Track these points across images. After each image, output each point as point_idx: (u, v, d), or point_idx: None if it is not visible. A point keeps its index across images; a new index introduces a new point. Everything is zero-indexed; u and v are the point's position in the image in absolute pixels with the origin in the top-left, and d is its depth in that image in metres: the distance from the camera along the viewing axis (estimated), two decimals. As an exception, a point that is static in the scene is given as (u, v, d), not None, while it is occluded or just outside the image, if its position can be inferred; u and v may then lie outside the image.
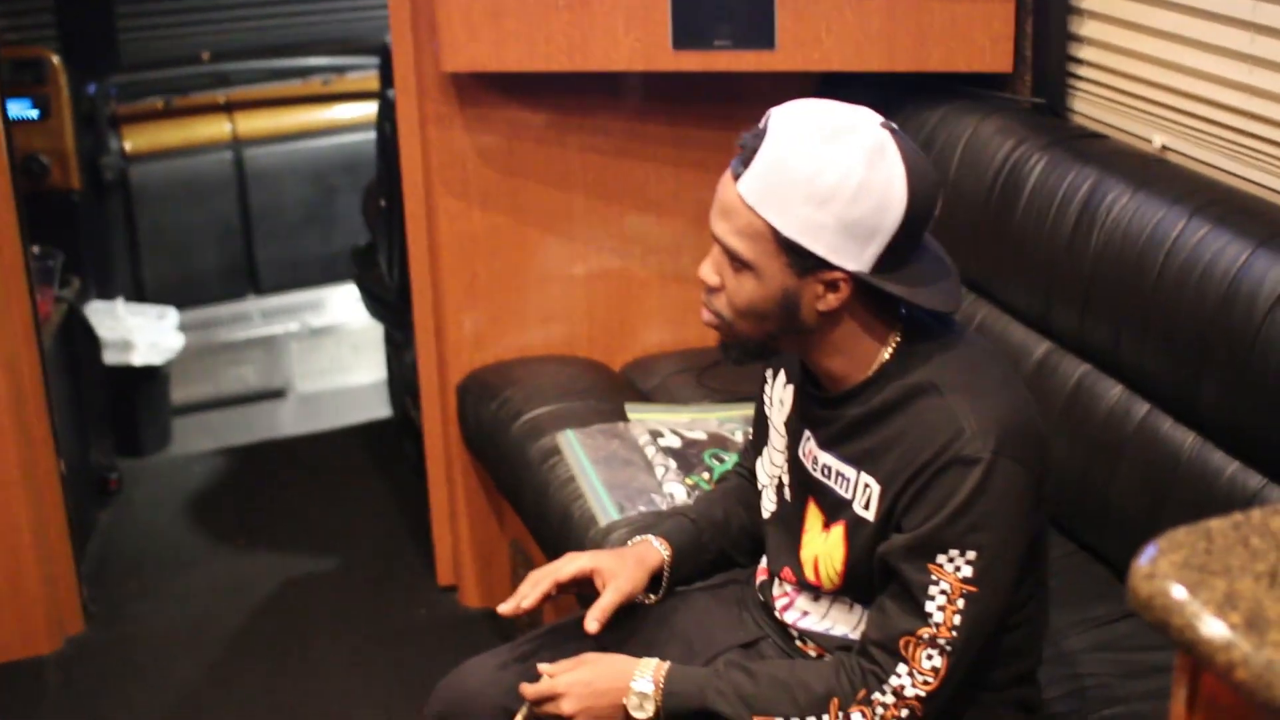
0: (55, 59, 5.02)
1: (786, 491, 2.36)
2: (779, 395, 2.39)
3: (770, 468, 2.41)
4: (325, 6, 6.14)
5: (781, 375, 2.39)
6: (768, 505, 2.42)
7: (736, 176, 2.10)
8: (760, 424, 2.47)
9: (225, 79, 6.01)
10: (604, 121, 3.81)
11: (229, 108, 5.94)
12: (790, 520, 2.35)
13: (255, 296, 6.04)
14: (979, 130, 3.26)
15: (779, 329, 2.16)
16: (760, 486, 2.45)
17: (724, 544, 2.55)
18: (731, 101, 3.75)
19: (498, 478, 3.73)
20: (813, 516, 2.29)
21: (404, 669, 3.81)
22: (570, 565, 2.47)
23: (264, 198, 5.90)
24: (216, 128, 5.87)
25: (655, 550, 2.50)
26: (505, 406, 3.66)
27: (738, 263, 2.12)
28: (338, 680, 3.82)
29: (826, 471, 2.24)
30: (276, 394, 5.87)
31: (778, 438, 2.39)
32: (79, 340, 4.49)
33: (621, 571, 2.45)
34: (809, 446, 2.29)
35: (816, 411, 2.27)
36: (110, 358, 5.00)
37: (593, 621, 2.38)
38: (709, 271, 2.18)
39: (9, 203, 3.72)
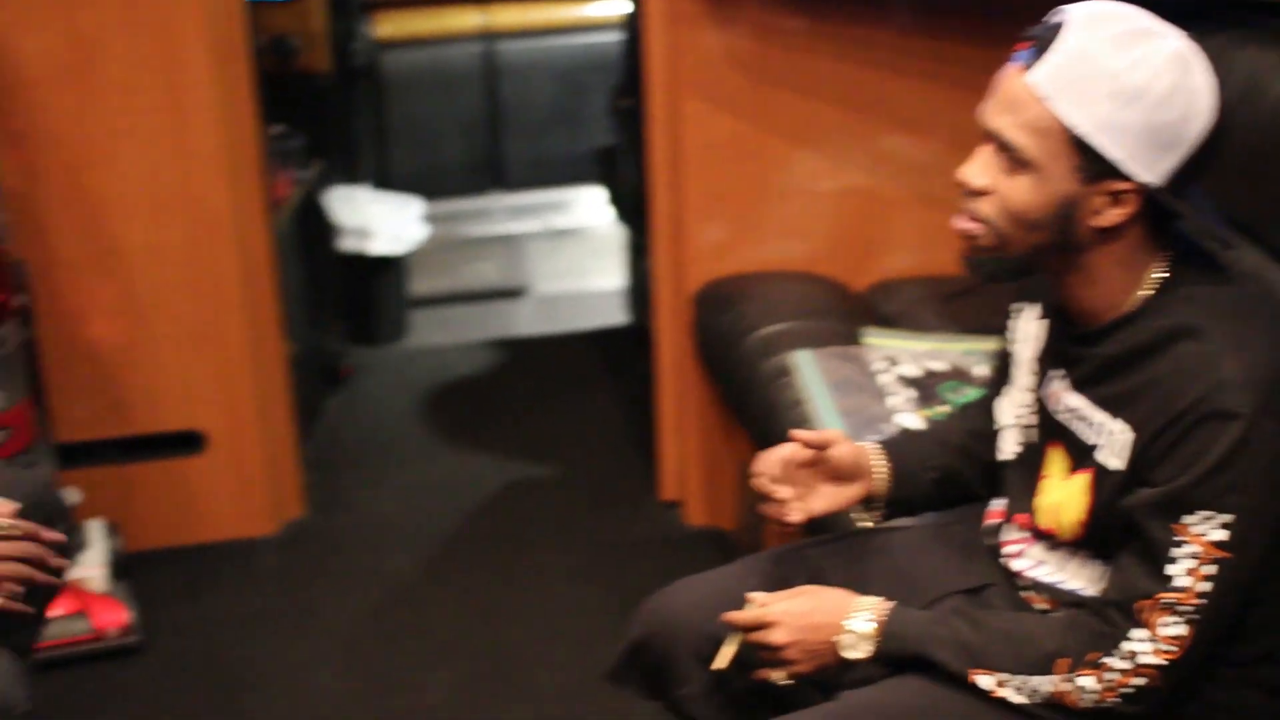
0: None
1: (1028, 433, 2.21)
2: (1027, 330, 2.24)
3: (1012, 408, 2.26)
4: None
5: (1031, 309, 2.24)
6: (1006, 447, 2.27)
7: (1026, 67, 1.94)
8: (1004, 361, 2.32)
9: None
10: (861, 31, 3.65)
11: (482, -1, 5.89)
12: (1030, 464, 2.20)
13: (500, 193, 6.00)
14: (1259, 60, 3.04)
15: (1048, 241, 2.00)
16: (999, 427, 2.30)
17: (953, 465, 2.40)
18: (999, 18, 3.56)
19: (728, 393, 3.62)
20: (1055, 461, 2.14)
21: (621, 583, 3.73)
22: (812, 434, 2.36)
23: (513, 93, 5.85)
24: (468, 19, 5.83)
25: (871, 460, 2.37)
26: (739, 321, 3.54)
27: (1016, 161, 1.96)
28: (553, 588, 3.76)
29: (1074, 414, 2.08)
30: (514, 293, 5.82)
31: (1023, 376, 2.24)
32: (316, 224, 4.47)
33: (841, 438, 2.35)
34: (1056, 387, 2.13)
35: (1068, 349, 2.11)
36: (349, 244, 4.98)
37: (795, 514, 2.30)
38: (976, 173, 2.02)
39: (249, 81, 3.71)
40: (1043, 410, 2.17)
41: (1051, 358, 2.17)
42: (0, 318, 3.27)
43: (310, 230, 4.40)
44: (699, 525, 3.98)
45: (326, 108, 5.11)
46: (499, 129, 5.87)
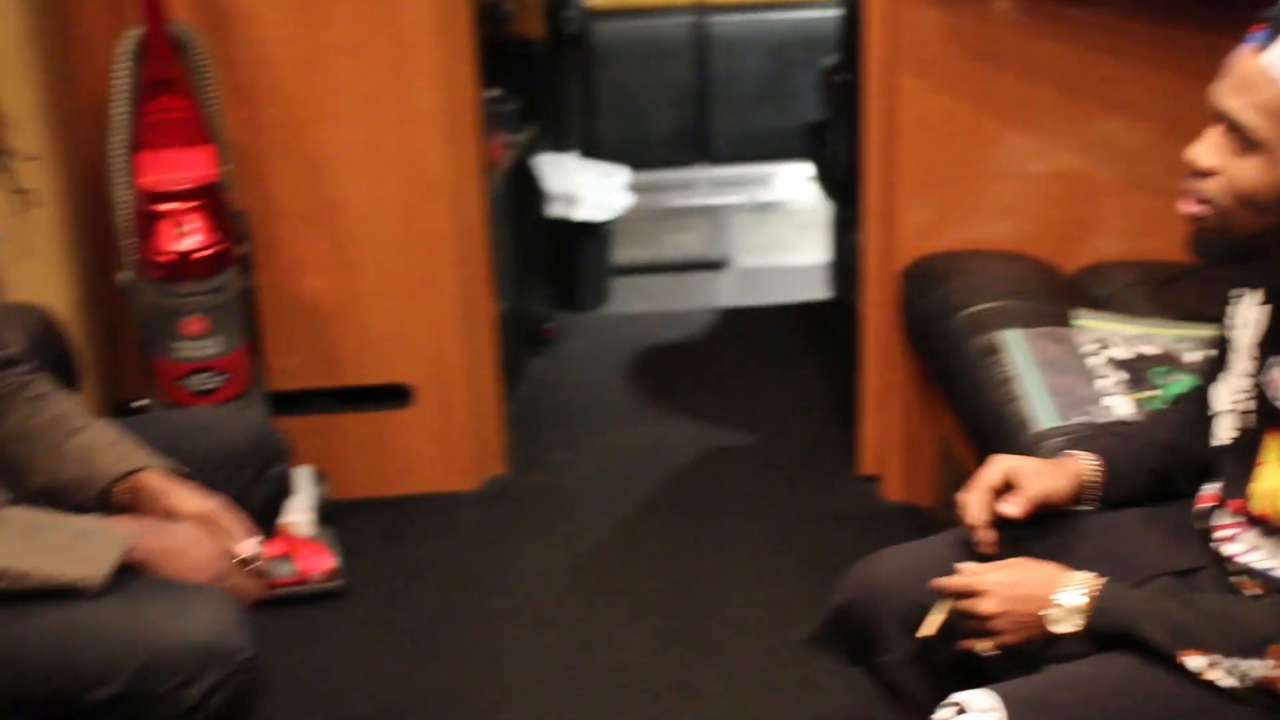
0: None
1: (1245, 419, 2.19)
2: (1247, 316, 2.22)
3: (1229, 394, 2.24)
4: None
5: (1252, 295, 2.21)
6: (1222, 433, 2.25)
7: (1261, 49, 1.92)
8: (1222, 346, 2.29)
9: (695, -60, 5.99)
10: (1082, 13, 3.62)
11: (698, -30, 5.91)
12: (1246, 450, 2.17)
13: (705, 165, 6.01)
14: None
15: (1275, 224, 1.98)
16: (1214, 413, 2.28)
17: (1164, 466, 2.39)
18: (1223, 3, 3.51)
19: (933, 370, 3.62)
20: (1273, 448, 2.12)
21: (815, 554, 3.74)
22: (994, 470, 2.34)
23: (722, 66, 5.87)
24: (682, -10, 5.86)
25: (1083, 465, 2.36)
26: (947, 298, 3.53)
27: (1247, 143, 1.94)
28: (748, 555, 3.79)
29: (1293, 401, 2.06)
30: (715, 265, 5.84)
31: (1241, 362, 2.21)
32: (526, 188, 4.53)
33: (1045, 474, 2.33)
34: (1277, 374, 2.11)
35: (1291, 335, 2.09)
36: (555, 210, 5.03)
37: (1011, 505, 2.27)
38: (1204, 153, 2.01)
39: (470, 44, 3.76)
40: (1261, 397, 2.15)
41: (1273, 344, 2.15)
42: (222, 265, 3.36)
43: (520, 194, 4.46)
44: (896, 501, 3.98)
45: (537, 74, 5.17)
46: (706, 101, 5.89)
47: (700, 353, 4.91)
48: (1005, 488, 2.34)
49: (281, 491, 2.77)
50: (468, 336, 3.94)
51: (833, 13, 4.83)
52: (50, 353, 2.67)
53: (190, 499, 2.44)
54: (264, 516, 2.65)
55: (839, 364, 4.55)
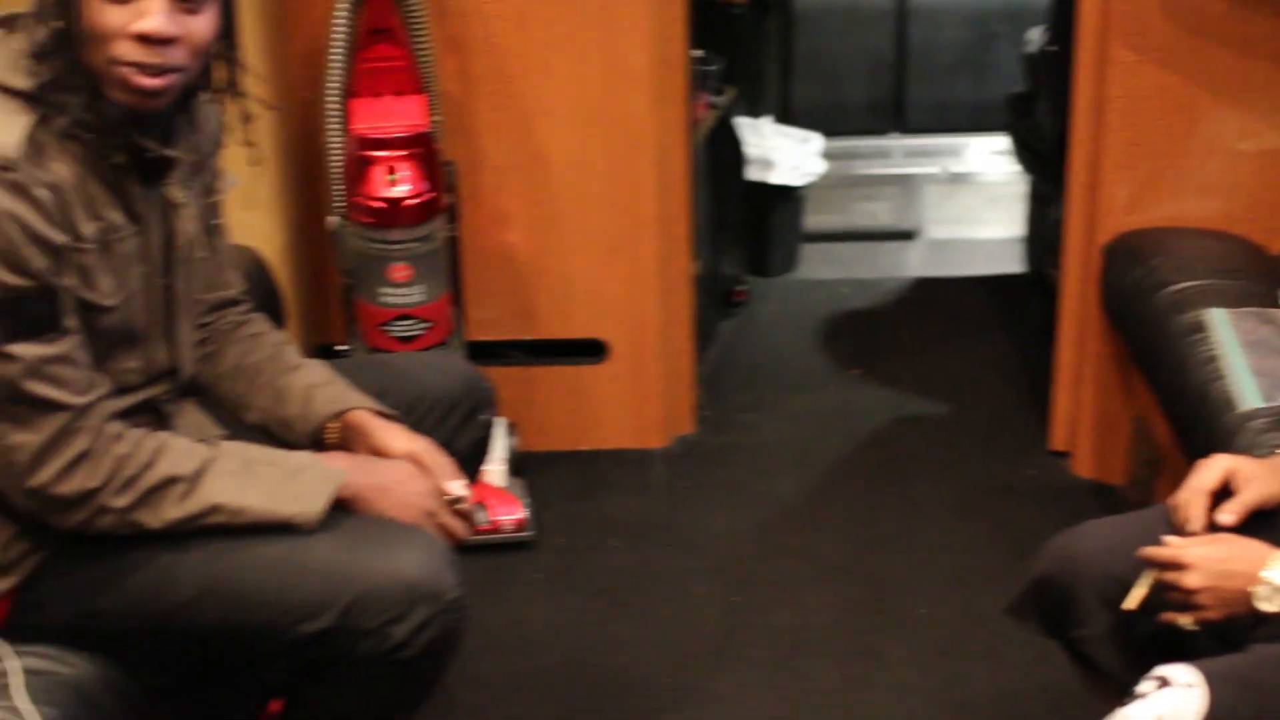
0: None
1: None
2: None
3: None
4: None
5: None
6: None
7: None
8: None
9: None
10: (1305, -12, 3.57)
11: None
12: None
13: (899, 134, 5.99)
14: None
15: None
16: None
17: None
18: None
19: (1132, 347, 3.58)
20: None
21: (1005, 525, 3.73)
22: (1212, 472, 2.32)
23: (921, 36, 5.84)
24: (885, -44, 5.84)
25: None
26: (1151, 275, 3.49)
27: None
28: (934, 523, 3.79)
29: None
30: (906, 235, 5.82)
31: None
32: (726, 149, 4.55)
33: (1263, 478, 2.29)
34: None
35: None
36: (750, 174, 5.04)
37: (1228, 514, 2.25)
38: None
39: (681, 3, 3.79)
40: None
41: None
42: (431, 214, 3.42)
43: (720, 155, 4.47)
44: (1087, 477, 3.95)
45: (738, 37, 5.16)
46: (904, 71, 5.87)
47: (890, 321, 4.90)
48: (1222, 490, 2.32)
49: (486, 439, 2.81)
50: (664, 295, 3.97)
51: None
52: (259, 295, 2.74)
53: (400, 438, 2.50)
54: (468, 462, 2.70)
55: (1031, 338, 4.53)
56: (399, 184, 3.35)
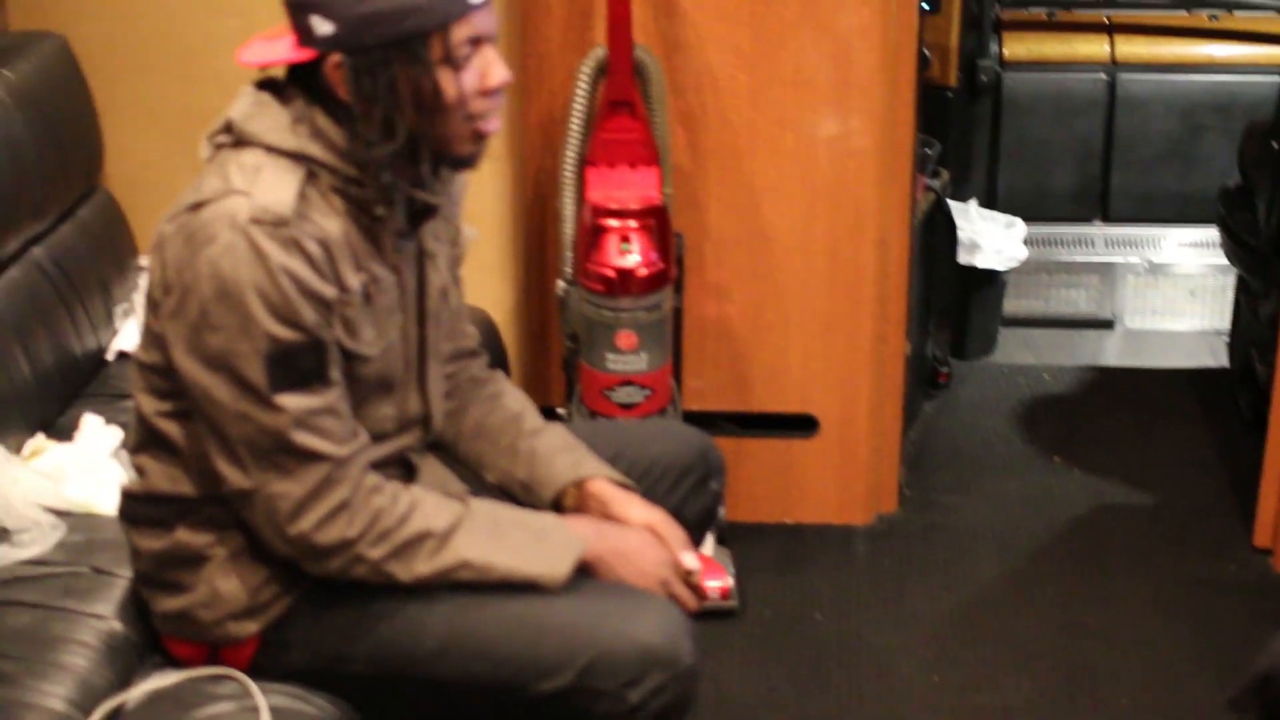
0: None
1: None
2: None
3: None
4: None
5: None
6: None
7: None
8: None
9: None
10: None
11: (1110, 29, 5.88)
12: None
13: (1101, 223, 5.98)
14: None
15: None
16: None
17: None
18: None
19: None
20: None
21: (1207, 620, 3.73)
22: None
23: (1129, 125, 5.82)
24: (1094, 47, 5.83)
25: None
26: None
27: None
28: (1134, 614, 3.79)
29: None
30: (1104, 324, 5.81)
31: None
32: (940, 232, 4.59)
33: None
34: None
35: None
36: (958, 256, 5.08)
37: None
38: None
39: (911, 88, 3.85)
40: None
41: None
42: (659, 285, 3.49)
43: (933, 238, 4.52)
44: (1293, 575, 3.94)
45: (949, 121, 5.22)
46: (1110, 159, 5.86)
47: (1089, 409, 4.89)
48: None
49: (715, 506, 2.88)
50: (877, 374, 4.01)
51: (1248, 77, 4.80)
52: (489, 356, 2.84)
53: (637, 508, 2.57)
54: (696, 529, 2.77)
55: (1233, 432, 4.52)
56: (632, 254, 3.43)
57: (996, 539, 4.12)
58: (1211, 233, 5.05)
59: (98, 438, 3.13)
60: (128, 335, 3.52)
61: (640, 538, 2.51)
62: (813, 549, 4.04)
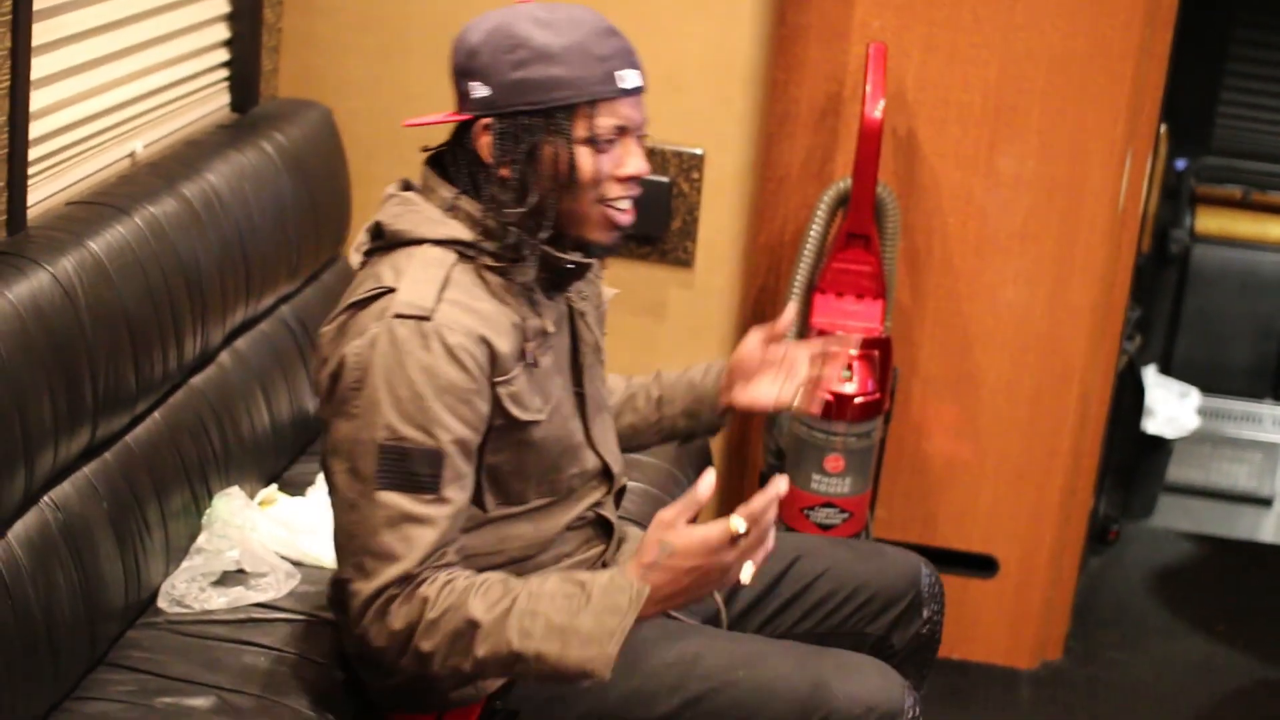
0: (1163, 128, 5.21)
1: None
2: None
3: None
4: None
5: None
6: None
7: None
8: None
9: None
10: None
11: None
12: None
13: (1273, 402, 6.05)
14: None
15: None
16: None
17: None
18: None
19: None
20: None
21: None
22: None
23: (1311, 308, 5.91)
24: (1286, 230, 5.94)
25: None
26: None
27: None
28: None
29: None
30: (1263, 501, 5.86)
31: None
32: (1129, 393, 4.67)
33: None
34: None
35: None
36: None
37: None
38: None
39: (1132, 251, 3.97)
40: None
41: None
42: (873, 413, 3.60)
43: (1123, 397, 4.60)
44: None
45: (1138, 287, 5.32)
46: (1289, 340, 5.95)
47: (1251, 582, 4.95)
48: None
49: (932, 636, 2.86)
50: (1062, 524, 4.08)
51: None
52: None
53: None
54: (910, 662, 2.80)
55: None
56: (851, 381, 3.54)
57: (1158, 701, 4.17)
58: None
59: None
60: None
61: (688, 560, 2.20)
62: (979, 687, 4.10)
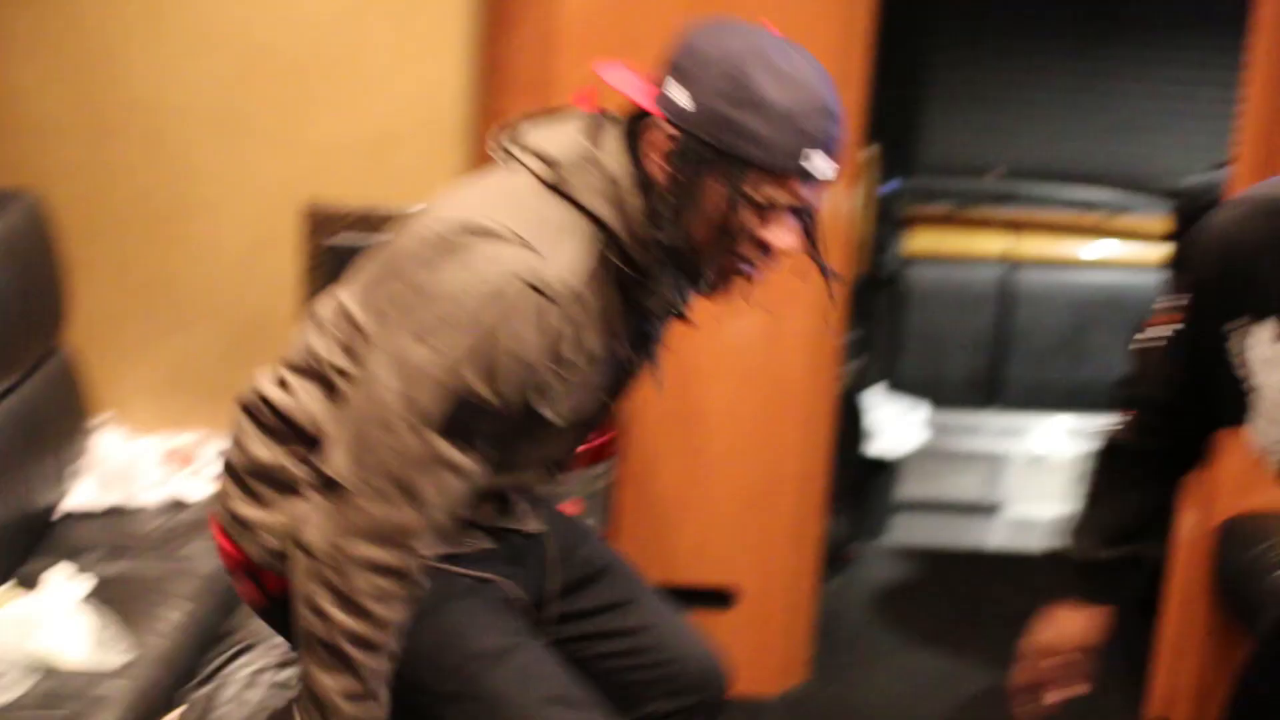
0: (874, 150, 5.31)
1: None
2: None
3: None
4: (1122, 141, 6.27)
5: None
6: None
7: None
8: None
9: (1010, 197, 6.22)
10: None
11: (1010, 226, 6.15)
12: None
13: (993, 411, 6.19)
14: None
15: None
16: None
17: None
18: None
19: (1246, 626, 3.76)
20: None
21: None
22: None
23: (1023, 318, 6.04)
24: (994, 244, 6.08)
25: None
26: (1267, 555, 3.72)
27: None
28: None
29: None
30: (989, 509, 6.00)
31: None
32: (848, 416, 4.77)
33: None
34: None
35: None
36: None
37: None
38: None
39: (848, 273, 4.11)
40: None
41: None
42: (601, 457, 3.62)
43: (845, 421, 4.69)
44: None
45: (854, 310, 5.42)
46: (1004, 350, 6.07)
47: (982, 590, 5.08)
48: None
49: None
50: (795, 549, 4.15)
51: (1137, 275, 5.07)
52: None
53: None
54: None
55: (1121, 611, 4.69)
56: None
57: (900, 713, 4.31)
58: (1099, 421, 5.26)
59: (65, 589, 3.18)
60: (76, 496, 3.60)
61: None
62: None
